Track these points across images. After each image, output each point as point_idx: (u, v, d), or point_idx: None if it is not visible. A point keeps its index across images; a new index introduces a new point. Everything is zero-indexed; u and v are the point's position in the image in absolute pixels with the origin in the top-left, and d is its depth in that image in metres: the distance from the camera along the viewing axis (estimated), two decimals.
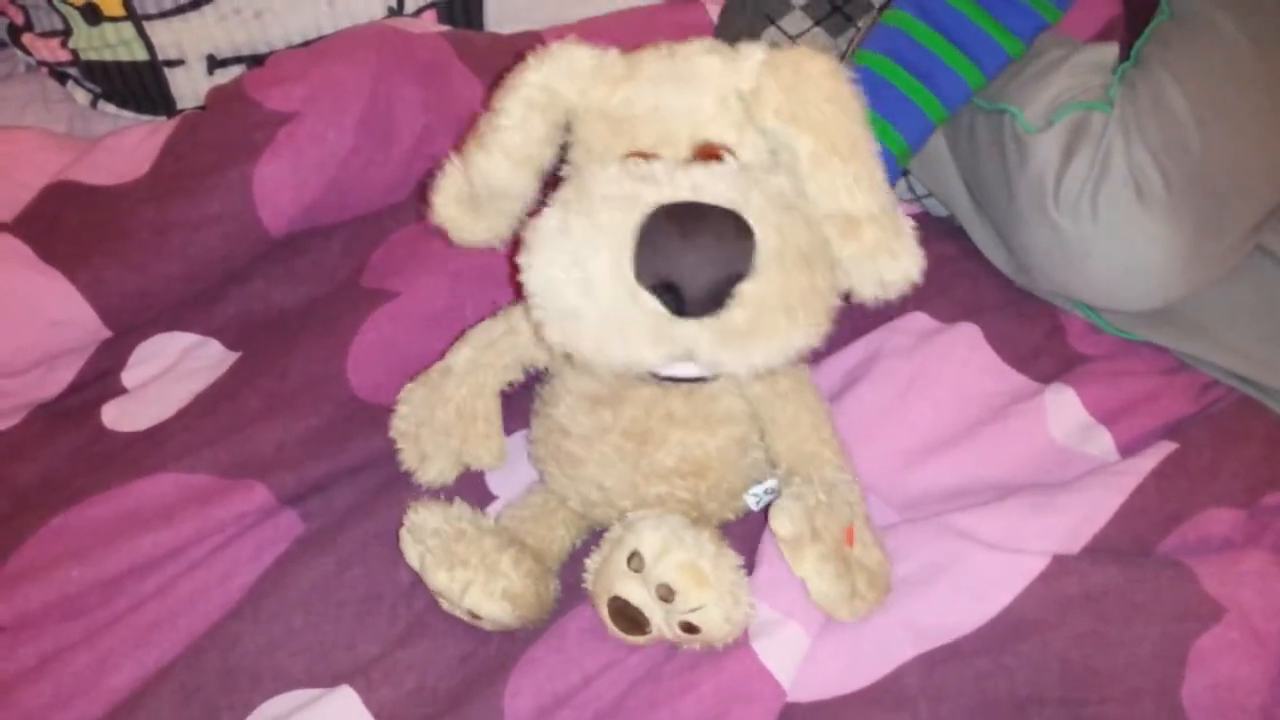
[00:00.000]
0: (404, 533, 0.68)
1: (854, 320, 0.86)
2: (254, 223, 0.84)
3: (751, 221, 0.57)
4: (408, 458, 0.74)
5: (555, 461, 0.73)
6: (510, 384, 0.74)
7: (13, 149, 0.90)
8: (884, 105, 0.79)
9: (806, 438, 0.71)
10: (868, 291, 0.65)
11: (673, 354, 0.59)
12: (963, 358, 0.82)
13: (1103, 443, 0.78)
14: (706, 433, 0.69)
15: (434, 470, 0.74)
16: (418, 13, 1.04)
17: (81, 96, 1.05)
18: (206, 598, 0.71)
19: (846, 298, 0.65)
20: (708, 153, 0.63)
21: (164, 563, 0.72)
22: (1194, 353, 0.82)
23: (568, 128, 0.67)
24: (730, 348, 0.58)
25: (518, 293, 0.64)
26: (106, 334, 0.83)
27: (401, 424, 0.74)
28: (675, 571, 0.62)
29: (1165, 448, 0.75)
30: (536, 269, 0.60)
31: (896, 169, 0.83)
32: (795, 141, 0.62)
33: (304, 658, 0.69)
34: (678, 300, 0.56)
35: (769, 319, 0.58)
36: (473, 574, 0.66)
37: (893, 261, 0.63)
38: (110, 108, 1.05)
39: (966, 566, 0.67)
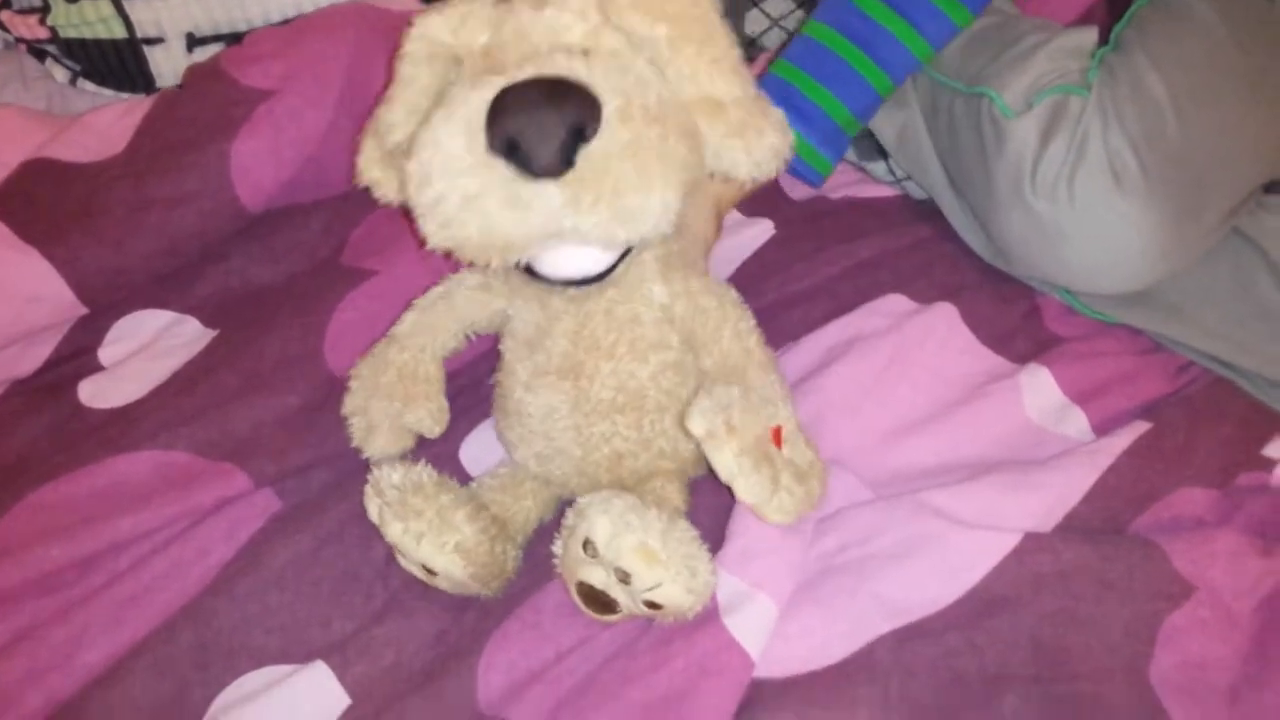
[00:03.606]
0: (367, 488, 0.69)
1: (831, 301, 0.87)
2: (231, 199, 0.83)
3: (594, 86, 0.59)
4: (356, 432, 0.74)
5: (508, 422, 0.73)
6: (453, 351, 0.75)
7: None
8: (825, 72, 0.79)
9: (730, 350, 0.71)
10: (742, 170, 0.67)
11: (533, 222, 0.59)
12: (940, 338, 0.83)
13: (1078, 423, 0.78)
14: (637, 361, 0.70)
15: (379, 441, 0.74)
16: None
17: (60, 74, 1.04)
18: (182, 574, 0.70)
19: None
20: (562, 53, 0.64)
21: (140, 539, 0.72)
22: (1170, 334, 0.82)
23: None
24: (585, 207, 0.59)
25: None
26: (83, 311, 0.83)
27: (350, 400, 0.75)
28: (628, 555, 0.62)
29: (1139, 427, 0.75)
30: (410, 168, 0.61)
31: (843, 136, 0.83)
32: (652, 30, 0.64)
33: (279, 634, 0.69)
34: (528, 162, 0.58)
35: (619, 173, 0.59)
36: (425, 526, 0.66)
37: (760, 139, 0.66)
38: (89, 86, 1.04)
39: (939, 543, 0.68)
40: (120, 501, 0.72)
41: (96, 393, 0.81)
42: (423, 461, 0.70)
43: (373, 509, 0.68)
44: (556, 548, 0.67)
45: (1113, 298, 0.82)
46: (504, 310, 0.73)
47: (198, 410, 0.77)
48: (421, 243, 0.62)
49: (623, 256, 0.66)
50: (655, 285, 0.71)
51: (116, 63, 1.02)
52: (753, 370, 0.71)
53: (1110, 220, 0.75)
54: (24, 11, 1.01)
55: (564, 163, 0.58)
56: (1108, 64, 0.80)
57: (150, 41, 1.01)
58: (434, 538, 0.66)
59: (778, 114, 0.67)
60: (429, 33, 0.66)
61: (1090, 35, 0.84)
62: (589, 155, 0.58)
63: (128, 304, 0.85)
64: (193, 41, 1.01)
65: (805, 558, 0.69)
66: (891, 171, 0.97)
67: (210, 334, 0.85)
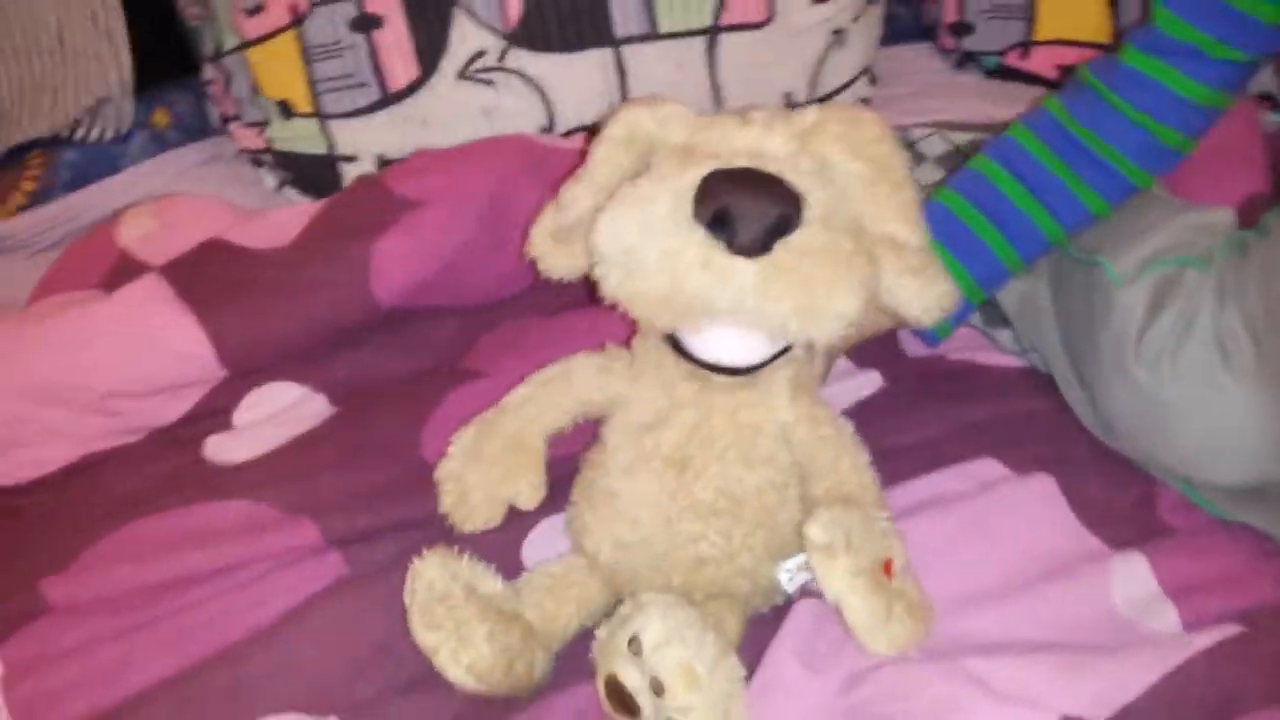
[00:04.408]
0: (409, 574, 0.70)
1: (926, 459, 0.84)
2: (366, 291, 0.91)
3: (801, 188, 0.62)
4: (447, 498, 0.76)
5: (590, 505, 0.73)
6: (560, 430, 0.77)
7: (192, 210, 1.03)
8: (949, 237, 0.79)
9: (846, 480, 0.71)
10: (910, 310, 0.70)
11: (717, 288, 0.61)
12: (1034, 510, 0.78)
13: (1167, 617, 0.71)
14: (745, 467, 0.70)
15: (469, 509, 0.76)
16: (568, 134, 1.12)
17: (270, 181, 1.18)
18: (237, 618, 0.74)
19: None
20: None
21: (210, 579, 0.76)
22: None
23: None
24: (774, 290, 0.61)
25: None
26: (222, 373, 0.90)
27: (446, 465, 0.77)
28: (669, 667, 0.61)
29: (1229, 629, 0.68)
30: (603, 223, 0.64)
31: (967, 303, 0.81)
32: (850, 165, 0.67)
33: (306, 687, 0.71)
34: (731, 236, 0.60)
35: (814, 269, 0.61)
36: (444, 638, 0.66)
37: (933, 284, 0.69)
38: (293, 194, 1.17)
39: (966, 714, 0.62)
40: (202, 541, 0.77)
41: (219, 449, 0.87)
42: (466, 558, 0.71)
43: (406, 597, 0.69)
44: (600, 631, 0.67)
45: (1230, 491, 0.75)
46: (620, 396, 0.75)
47: (293, 472, 0.82)
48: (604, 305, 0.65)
49: (770, 360, 0.68)
50: (784, 401, 0.72)
51: (316, 175, 1.15)
52: (868, 503, 0.70)
53: (1214, 399, 0.70)
54: (250, 124, 1.15)
55: (764, 246, 0.60)
56: (1240, 242, 0.77)
57: (346, 159, 1.13)
58: (449, 652, 0.66)
59: (944, 268, 0.70)
60: (633, 119, 0.71)
61: (1224, 216, 0.80)
62: (788, 245, 0.61)
63: (268, 375, 0.93)
64: (382, 162, 1.13)
65: (827, 705, 0.65)
66: (1018, 341, 0.94)
67: (333, 411, 0.91)
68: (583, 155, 0.99)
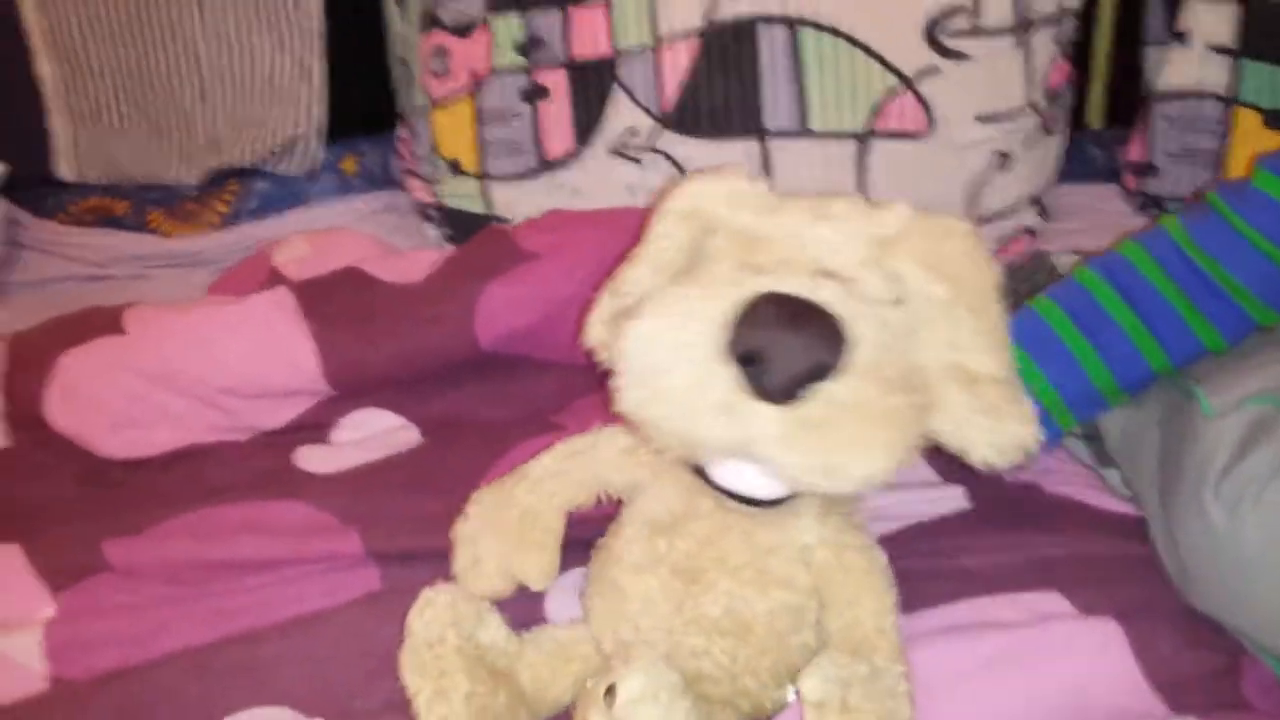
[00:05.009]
0: (417, 602, 0.70)
1: (986, 585, 0.78)
2: (469, 332, 0.95)
3: (850, 327, 0.57)
4: (460, 561, 0.76)
5: (601, 593, 0.71)
6: (580, 506, 0.75)
7: (344, 242, 1.11)
8: (1038, 347, 0.74)
9: (863, 621, 0.66)
10: (979, 453, 0.64)
11: (736, 436, 0.57)
12: (1086, 655, 0.71)
13: None
14: (757, 589, 0.66)
15: (480, 578, 0.75)
16: None
17: (432, 234, 1.26)
18: (272, 609, 0.77)
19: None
20: (826, 275, 0.63)
21: (259, 569, 0.80)
22: None
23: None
24: (795, 444, 0.57)
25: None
26: (324, 387, 0.96)
27: (464, 526, 0.76)
28: None
29: None
30: (633, 329, 0.60)
31: (1053, 425, 0.76)
32: (928, 286, 0.63)
33: (309, 685, 0.72)
34: (759, 378, 0.56)
35: (844, 426, 0.56)
36: (424, 685, 0.66)
37: (1008, 425, 0.63)
38: (450, 248, 1.24)
39: None
40: (258, 533, 0.82)
41: (309, 459, 0.92)
42: (476, 600, 0.71)
43: (406, 629, 0.69)
44: (590, 680, 0.66)
45: None
46: (640, 484, 0.73)
47: (359, 487, 0.86)
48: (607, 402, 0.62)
49: (793, 496, 0.65)
50: (808, 522, 0.68)
51: (471, 231, 1.21)
52: (882, 653, 0.65)
53: None
54: (425, 179, 1.24)
55: (793, 393, 0.56)
56: None
57: (500, 220, 1.19)
58: (425, 700, 0.66)
59: (1030, 407, 0.64)
60: (698, 193, 0.70)
61: None
62: (820, 395, 0.57)
63: (371, 400, 0.98)
64: None
65: None
66: (1127, 483, 0.86)
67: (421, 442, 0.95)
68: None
